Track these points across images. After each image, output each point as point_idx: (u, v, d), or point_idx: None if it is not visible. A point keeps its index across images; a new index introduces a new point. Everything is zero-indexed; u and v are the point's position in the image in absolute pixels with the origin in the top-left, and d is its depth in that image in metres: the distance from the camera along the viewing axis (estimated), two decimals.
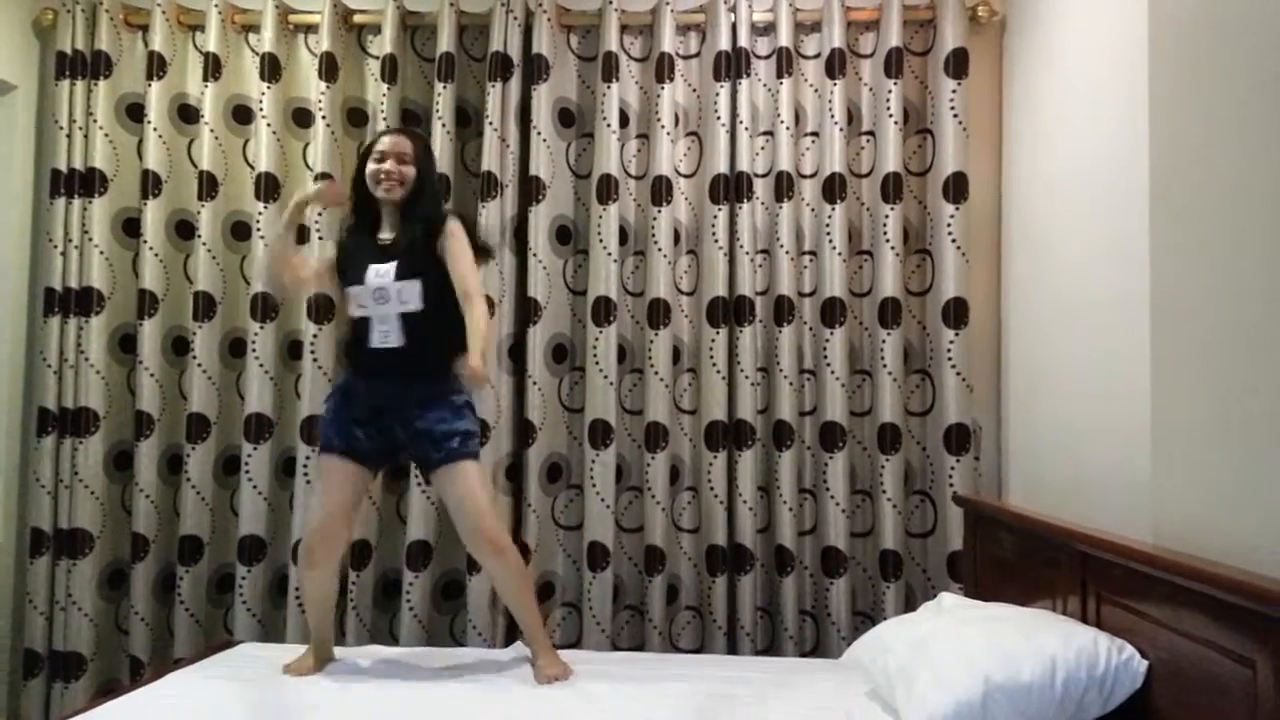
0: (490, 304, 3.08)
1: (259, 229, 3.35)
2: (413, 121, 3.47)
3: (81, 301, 3.33)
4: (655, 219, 3.33)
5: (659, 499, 3.27)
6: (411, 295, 2.64)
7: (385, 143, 2.73)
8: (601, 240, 3.31)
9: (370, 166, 2.72)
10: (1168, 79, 2.18)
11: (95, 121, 3.36)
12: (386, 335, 2.65)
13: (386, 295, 2.65)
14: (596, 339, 3.29)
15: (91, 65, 3.38)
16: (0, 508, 3.35)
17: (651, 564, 3.26)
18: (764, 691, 2.49)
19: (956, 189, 3.25)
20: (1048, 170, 2.95)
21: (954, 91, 3.27)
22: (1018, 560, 2.68)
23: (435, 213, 2.71)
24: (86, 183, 3.36)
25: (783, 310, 3.29)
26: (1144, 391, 2.21)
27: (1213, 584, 1.70)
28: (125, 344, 3.41)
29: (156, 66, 3.38)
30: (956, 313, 3.24)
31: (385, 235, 2.74)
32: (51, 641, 3.28)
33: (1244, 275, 1.84)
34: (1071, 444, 2.68)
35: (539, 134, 3.34)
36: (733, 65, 3.34)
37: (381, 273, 2.65)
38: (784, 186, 3.31)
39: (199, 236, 3.36)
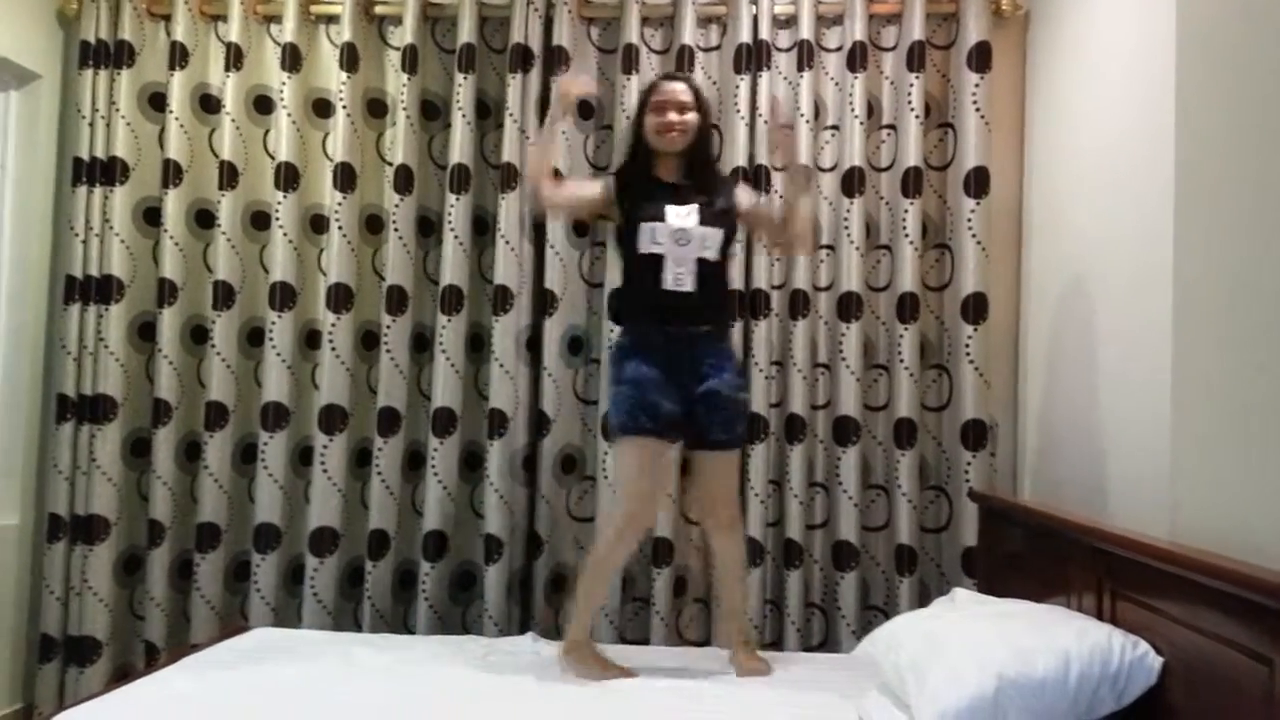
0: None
1: (278, 218, 3.36)
2: (432, 113, 3.48)
3: (101, 289, 3.35)
4: None
5: (669, 491, 3.25)
6: (714, 241, 2.72)
7: (665, 91, 2.75)
8: None
9: (651, 119, 2.74)
10: (1194, 71, 2.15)
11: (117, 111, 3.38)
12: (681, 278, 2.69)
13: (689, 237, 2.70)
14: (612, 331, 3.28)
15: (114, 55, 3.40)
16: (18, 493, 3.37)
17: (659, 556, 3.25)
18: (776, 685, 2.48)
19: (977, 183, 3.22)
20: (1070, 165, 2.92)
21: (976, 86, 3.24)
22: (1032, 556, 2.66)
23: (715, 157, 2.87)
24: (108, 171, 3.38)
25: (798, 304, 3.27)
26: (1164, 387, 2.19)
27: (1230, 581, 1.67)
28: (144, 332, 3.43)
29: (179, 56, 3.40)
30: (975, 308, 3.21)
31: (671, 178, 2.78)
32: (67, 626, 3.30)
33: (1268, 273, 1.81)
34: (1089, 440, 2.66)
35: None
36: (753, 58, 3.32)
37: (684, 214, 2.71)
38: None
39: (219, 226, 3.37)
